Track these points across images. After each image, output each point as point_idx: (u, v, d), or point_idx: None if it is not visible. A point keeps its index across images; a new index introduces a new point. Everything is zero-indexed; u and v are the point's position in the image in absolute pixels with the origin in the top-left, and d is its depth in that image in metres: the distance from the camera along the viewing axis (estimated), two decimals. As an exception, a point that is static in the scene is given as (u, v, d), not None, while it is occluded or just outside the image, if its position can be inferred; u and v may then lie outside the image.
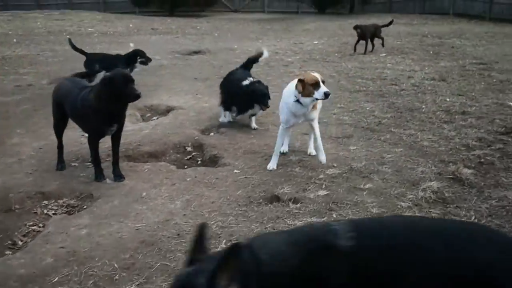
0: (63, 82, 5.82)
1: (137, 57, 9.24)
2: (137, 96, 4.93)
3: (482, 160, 5.67)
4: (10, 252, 4.13)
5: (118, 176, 5.34)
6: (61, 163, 5.76)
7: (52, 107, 5.73)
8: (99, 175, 5.35)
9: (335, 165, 5.54)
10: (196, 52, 15.07)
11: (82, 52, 9.51)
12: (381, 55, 13.76)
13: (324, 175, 5.26)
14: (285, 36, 19.43)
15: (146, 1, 32.41)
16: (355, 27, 14.18)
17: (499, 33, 19.43)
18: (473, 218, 4.31)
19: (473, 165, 5.49)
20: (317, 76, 5.12)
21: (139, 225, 4.32)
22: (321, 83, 5.06)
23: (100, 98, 4.93)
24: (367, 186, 4.96)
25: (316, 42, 16.91)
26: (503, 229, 4.10)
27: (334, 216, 4.35)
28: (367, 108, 7.99)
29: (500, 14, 26.02)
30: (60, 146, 5.80)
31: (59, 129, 5.78)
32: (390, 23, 15.21)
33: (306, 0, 32.12)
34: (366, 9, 31.96)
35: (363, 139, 6.46)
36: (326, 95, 5.04)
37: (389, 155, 5.82)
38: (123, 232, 4.21)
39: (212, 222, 4.31)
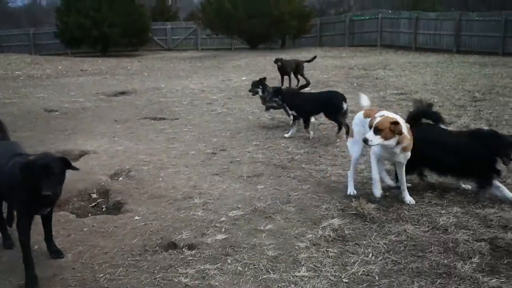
0: None
1: None
2: (44, 197, 3.91)
3: (387, 193, 5.69)
4: None
5: (56, 252, 4.55)
6: (8, 240, 4.83)
7: None
8: (31, 282, 4.05)
9: (239, 206, 5.44)
10: (121, 93, 14.85)
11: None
12: (305, 89, 13.91)
13: (226, 217, 5.14)
14: (214, 73, 19.51)
15: (78, 42, 32.04)
16: (276, 61, 14.40)
17: (422, 62, 20.17)
18: (370, 255, 4.28)
19: (377, 199, 5.50)
20: (373, 120, 5.18)
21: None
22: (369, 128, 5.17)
23: (23, 184, 4.06)
24: (268, 227, 4.87)
25: (244, 78, 17.02)
26: (399, 265, 4.09)
27: (229, 261, 4.23)
28: (282, 145, 8.01)
29: (425, 44, 27.15)
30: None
31: None
32: (313, 58, 15.49)
33: (237, 37, 32.58)
34: (297, 43, 32.63)
35: (272, 177, 6.41)
36: (364, 140, 5.17)
37: (296, 193, 5.78)
38: (4, 292, 3.96)
39: (101, 275, 4.11)
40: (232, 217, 5.16)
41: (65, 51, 33.85)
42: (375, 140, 5.07)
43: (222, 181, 6.33)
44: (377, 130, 5.06)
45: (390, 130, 5.04)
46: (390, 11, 31.72)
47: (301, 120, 8.58)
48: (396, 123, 5.05)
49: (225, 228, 4.89)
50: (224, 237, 4.68)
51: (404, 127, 5.18)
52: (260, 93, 9.63)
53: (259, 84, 9.72)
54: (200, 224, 5.01)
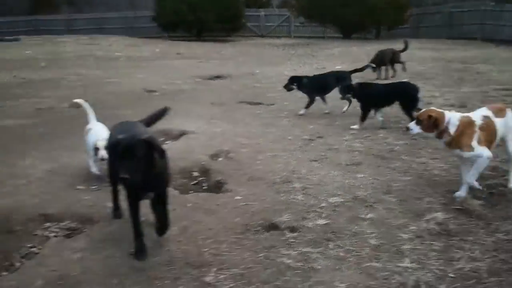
0: (115, 126, 4.86)
1: None
2: (121, 180, 3.83)
3: (493, 190, 5.47)
4: (7, 273, 4.10)
5: None
6: (116, 210, 5.02)
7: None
8: (140, 251, 4.19)
9: (339, 193, 5.42)
10: (217, 77, 15.17)
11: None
12: (402, 80, 13.60)
13: (327, 203, 5.14)
14: (308, 61, 19.46)
15: (174, 26, 32.94)
16: (369, 66, 14.27)
17: (527, 58, 19.13)
18: (477, 252, 4.14)
19: (483, 196, 5.30)
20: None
21: (132, 250, 4.26)
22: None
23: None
24: (369, 216, 4.83)
25: (339, 67, 16.82)
26: (508, 265, 3.93)
27: (330, 246, 4.24)
28: (380, 135, 7.88)
29: (530, 39, 25.70)
30: (114, 191, 5.00)
31: (112, 177, 4.88)
32: (405, 47, 15.04)
33: (331, 25, 32.28)
34: (393, 34, 31.87)
35: (372, 167, 6.33)
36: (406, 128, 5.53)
37: (396, 184, 5.68)
38: (116, 257, 4.17)
39: (205, 249, 4.24)
40: (332, 203, 5.15)
41: (162, 35, 34.87)
42: (415, 129, 5.28)
43: (320, 168, 6.33)
44: (418, 121, 5.25)
45: (427, 122, 5.12)
46: (493, 3, 30.22)
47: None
48: (430, 116, 5.09)
49: (326, 214, 4.89)
50: (325, 223, 4.69)
51: (452, 123, 5.04)
52: (296, 88, 10.08)
53: (293, 82, 10.05)
54: (301, 208, 5.04)
